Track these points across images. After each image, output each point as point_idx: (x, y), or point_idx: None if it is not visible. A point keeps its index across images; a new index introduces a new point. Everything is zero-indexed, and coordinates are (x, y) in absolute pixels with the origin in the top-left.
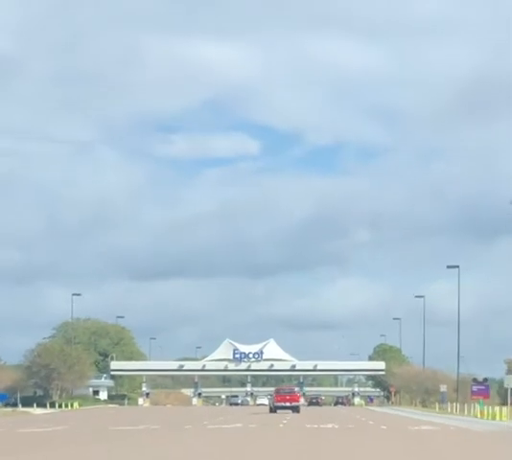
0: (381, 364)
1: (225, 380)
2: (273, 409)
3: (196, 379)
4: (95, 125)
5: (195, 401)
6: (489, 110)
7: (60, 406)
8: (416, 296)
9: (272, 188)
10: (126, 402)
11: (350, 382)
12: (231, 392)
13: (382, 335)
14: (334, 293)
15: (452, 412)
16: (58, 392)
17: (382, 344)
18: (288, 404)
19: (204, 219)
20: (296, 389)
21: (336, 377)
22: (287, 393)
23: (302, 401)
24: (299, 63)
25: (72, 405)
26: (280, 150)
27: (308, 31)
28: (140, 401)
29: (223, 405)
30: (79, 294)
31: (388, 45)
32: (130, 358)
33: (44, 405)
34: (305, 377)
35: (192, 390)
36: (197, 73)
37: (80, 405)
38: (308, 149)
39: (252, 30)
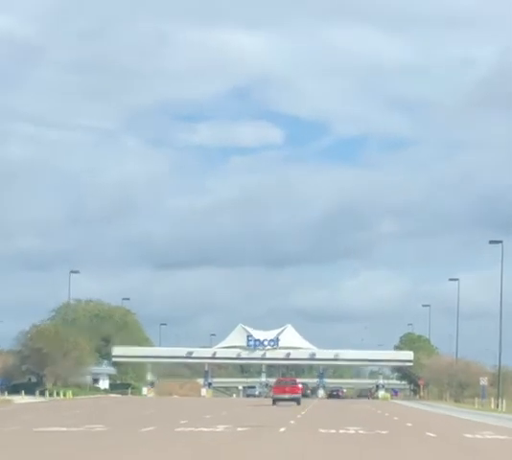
0: (408, 354)
1: (244, 371)
2: (274, 401)
3: (206, 368)
4: (119, 113)
5: (204, 391)
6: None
7: (51, 395)
8: (450, 279)
9: (296, 178)
10: (129, 391)
11: (374, 375)
12: (247, 383)
13: (409, 324)
14: (356, 285)
15: (495, 409)
16: (52, 379)
17: (409, 333)
18: (286, 396)
19: (227, 208)
20: (298, 381)
21: (358, 369)
22: (286, 384)
23: (315, 393)
24: (326, 53)
25: (65, 394)
26: (305, 140)
27: (335, 20)
28: (144, 390)
29: (240, 397)
30: (77, 272)
31: (415, 35)
32: (136, 344)
33: (34, 393)
34: (325, 367)
35: (209, 380)
36: (223, 62)
37: (73, 394)
38: (333, 140)
39: (279, 19)
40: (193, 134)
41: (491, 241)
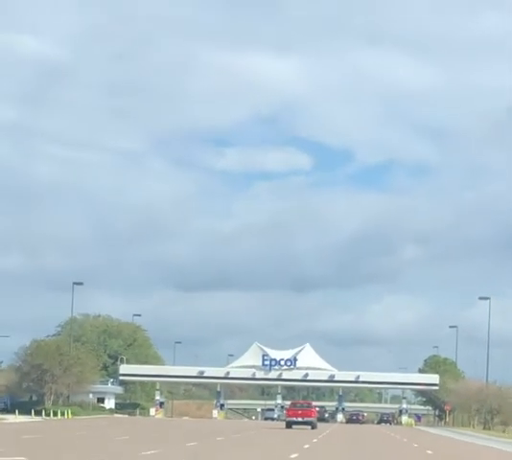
0: (434, 377)
1: (264, 392)
2: (288, 424)
3: (218, 388)
4: (147, 135)
5: (215, 413)
6: None
7: (48, 415)
8: (480, 298)
9: (322, 203)
10: (137, 412)
11: (395, 399)
12: (266, 405)
13: (434, 347)
14: (380, 310)
15: None
16: (52, 397)
17: (434, 356)
18: (300, 420)
19: (252, 232)
20: (314, 404)
21: (380, 393)
22: (299, 407)
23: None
24: (353, 79)
25: (63, 414)
26: (331, 166)
27: (361, 47)
28: (151, 411)
29: (259, 420)
30: (81, 283)
31: (443, 62)
32: (145, 362)
33: (30, 412)
34: (345, 390)
35: (222, 401)
36: (251, 87)
37: (73, 414)
38: (358, 166)
39: (307, 44)
40: (220, 158)
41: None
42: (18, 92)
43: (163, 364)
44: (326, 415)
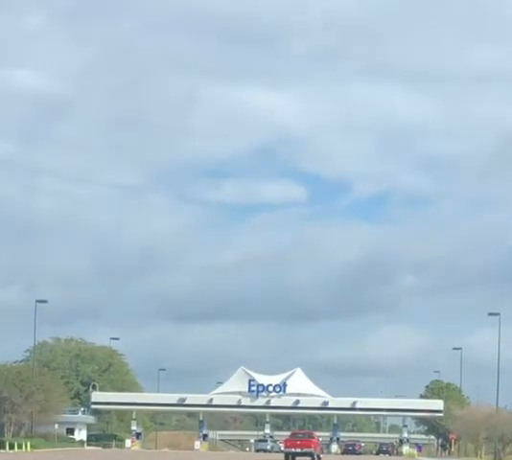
0: (438, 403)
1: (258, 422)
2: (287, 456)
3: (200, 417)
4: (145, 169)
5: (198, 444)
6: None
7: (3, 447)
8: (490, 314)
9: (319, 235)
10: (113, 443)
11: (394, 429)
12: (258, 435)
13: (436, 372)
14: (378, 340)
15: None
16: (12, 428)
17: (436, 381)
18: (299, 450)
19: (250, 264)
20: (315, 434)
21: (378, 422)
22: (300, 438)
23: (334, 448)
24: (349, 112)
25: (21, 447)
26: (328, 198)
27: (359, 79)
28: (127, 443)
29: (252, 451)
30: (44, 301)
31: (437, 94)
32: (121, 389)
33: None
34: (342, 419)
35: (210, 432)
36: (247, 120)
37: (33, 447)
38: (355, 198)
39: (304, 77)
40: (217, 191)
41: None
42: (18, 127)
43: (141, 391)
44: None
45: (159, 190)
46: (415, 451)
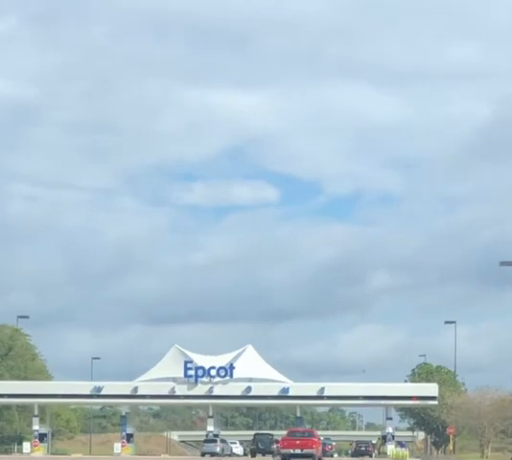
0: (431, 388)
1: (228, 423)
2: (284, 459)
3: (123, 412)
4: (115, 172)
5: (118, 447)
6: (508, 157)
7: None
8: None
9: (291, 235)
10: (15, 448)
11: (372, 428)
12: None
13: (421, 355)
14: (352, 339)
15: None
16: None
17: (425, 364)
18: (298, 452)
19: (222, 265)
20: (315, 432)
21: (353, 421)
22: (299, 437)
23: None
24: (321, 111)
25: None
26: (300, 198)
27: (329, 80)
28: (25, 447)
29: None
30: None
31: (407, 94)
32: (24, 378)
33: None
34: (305, 410)
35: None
36: (218, 122)
37: None
38: (327, 198)
39: (272, 78)
40: (189, 193)
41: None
42: None
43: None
44: (274, 446)
45: (131, 193)
46: (405, 452)
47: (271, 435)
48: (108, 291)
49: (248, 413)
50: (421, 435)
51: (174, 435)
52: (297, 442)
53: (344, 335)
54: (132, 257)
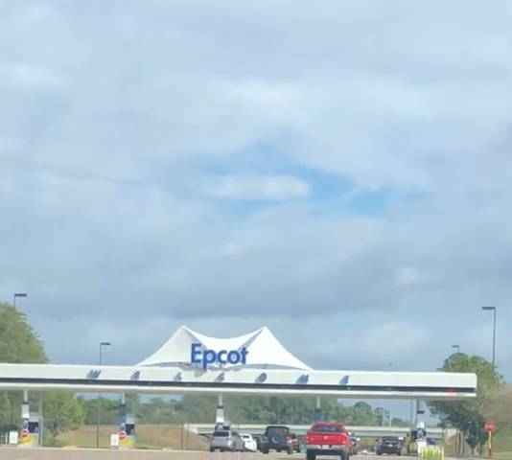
0: (469, 378)
1: (251, 416)
2: (310, 454)
3: (122, 400)
4: (145, 164)
5: (115, 439)
6: None
7: None
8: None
9: (321, 230)
10: (6, 437)
11: (399, 424)
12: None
13: (454, 346)
14: (380, 334)
15: None
16: None
17: (459, 354)
18: (326, 448)
19: (251, 259)
20: (343, 427)
21: (379, 416)
22: (326, 431)
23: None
24: (351, 107)
25: None
26: (329, 193)
27: (361, 75)
28: (12, 437)
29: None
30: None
31: (438, 89)
32: (17, 361)
33: None
34: (329, 404)
35: (129, 420)
36: (249, 115)
37: None
38: (357, 193)
39: (302, 72)
40: (219, 187)
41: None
42: (17, 122)
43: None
44: (289, 441)
45: (160, 185)
46: (439, 450)
47: (286, 428)
48: (134, 283)
49: (272, 407)
50: (450, 432)
51: (194, 428)
52: (325, 437)
53: (372, 330)
54: (161, 249)
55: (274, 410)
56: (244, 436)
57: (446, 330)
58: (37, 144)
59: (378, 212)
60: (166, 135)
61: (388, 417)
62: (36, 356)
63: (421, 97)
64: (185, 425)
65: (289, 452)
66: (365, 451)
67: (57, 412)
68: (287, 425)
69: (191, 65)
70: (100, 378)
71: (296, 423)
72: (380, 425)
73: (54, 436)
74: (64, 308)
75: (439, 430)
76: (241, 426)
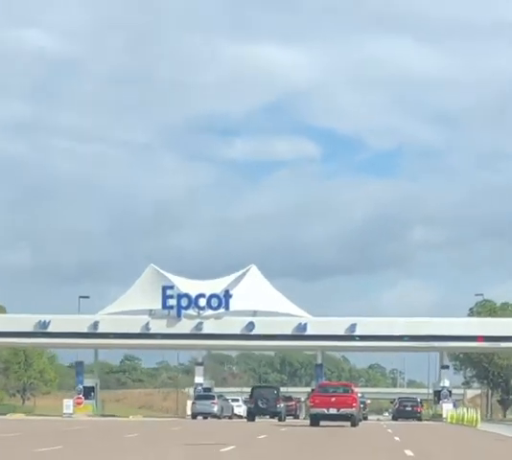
0: (503, 323)
1: (261, 379)
2: (314, 419)
3: (77, 357)
4: (154, 127)
5: (68, 405)
6: None
7: None
8: None
9: (332, 191)
10: None
11: (414, 385)
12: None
13: (477, 295)
14: (394, 295)
15: None
16: None
17: (486, 301)
18: (333, 412)
19: (263, 221)
20: (352, 387)
21: (394, 377)
22: (333, 393)
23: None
24: (361, 67)
25: None
26: (341, 154)
27: (372, 32)
28: None
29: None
30: None
31: (450, 47)
32: None
33: None
34: (340, 363)
35: (88, 382)
36: (259, 76)
37: None
38: (368, 153)
39: (314, 32)
40: (229, 148)
41: None
42: (28, 87)
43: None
44: (281, 405)
45: (170, 147)
46: (474, 415)
47: (276, 389)
48: (147, 247)
49: (282, 369)
50: (470, 392)
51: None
52: (333, 399)
53: (385, 291)
54: (171, 212)
55: (285, 373)
56: (234, 400)
57: (463, 288)
58: (49, 108)
59: (390, 172)
60: (177, 98)
61: (403, 379)
62: None
63: (434, 54)
64: (186, 390)
65: (280, 419)
66: (381, 417)
67: (24, 375)
68: (275, 385)
69: (202, 26)
70: (49, 330)
71: (308, 385)
72: (394, 386)
73: (23, 402)
74: (77, 274)
75: (458, 391)
76: (244, 389)
